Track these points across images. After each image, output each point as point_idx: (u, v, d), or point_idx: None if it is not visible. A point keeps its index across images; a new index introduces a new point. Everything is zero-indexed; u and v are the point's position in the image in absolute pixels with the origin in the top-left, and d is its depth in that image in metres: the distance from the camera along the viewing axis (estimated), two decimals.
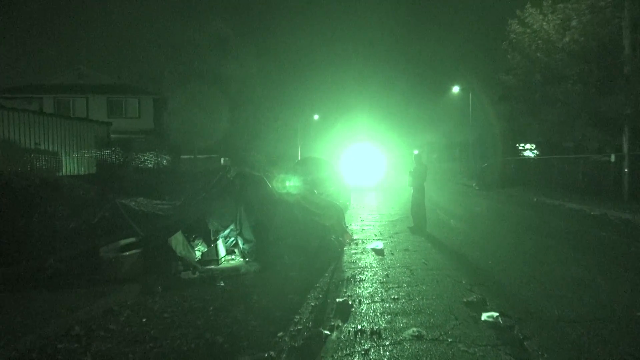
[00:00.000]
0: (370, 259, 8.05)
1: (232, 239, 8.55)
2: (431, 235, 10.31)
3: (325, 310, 5.29)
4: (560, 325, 4.58)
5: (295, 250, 8.22)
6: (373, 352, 4.04)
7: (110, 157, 16.71)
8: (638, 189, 15.43)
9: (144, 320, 4.94)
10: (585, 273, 6.63)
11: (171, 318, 5.02)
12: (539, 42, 18.41)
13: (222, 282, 6.56)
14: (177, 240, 7.16)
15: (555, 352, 3.95)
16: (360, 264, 7.68)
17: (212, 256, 7.76)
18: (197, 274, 6.98)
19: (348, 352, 4.07)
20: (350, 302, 5.41)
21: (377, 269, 7.27)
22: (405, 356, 3.94)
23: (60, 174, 16.56)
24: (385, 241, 9.55)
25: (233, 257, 8.32)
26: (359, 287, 6.20)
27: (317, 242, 8.48)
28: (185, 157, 28.32)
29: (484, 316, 4.76)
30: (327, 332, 4.52)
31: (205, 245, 7.91)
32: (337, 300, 5.49)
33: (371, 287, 6.18)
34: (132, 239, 6.53)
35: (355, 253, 8.57)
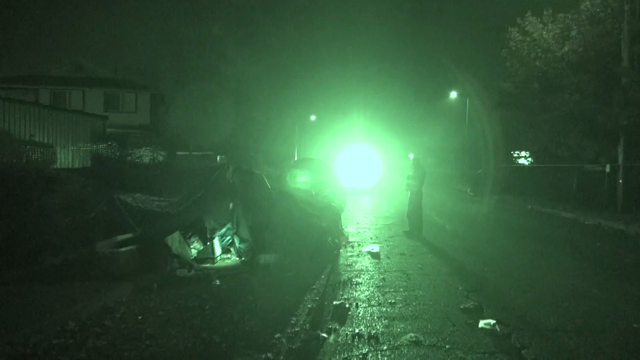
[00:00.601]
0: (366, 262, 8.04)
1: (229, 237, 8.51)
2: (427, 239, 10.33)
3: (322, 312, 5.27)
4: (557, 334, 4.59)
5: (291, 251, 8.20)
6: (371, 357, 4.03)
7: (107, 152, 16.60)
8: (631, 200, 15.53)
9: (139, 317, 4.90)
10: (581, 283, 6.65)
11: (167, 316, 4.98)
12: (538, 50, 18.53)
13: (217, 280, 6.53)
14: (173, 238, 7.12)
15: None
16: (356, 267, 7.67)
17: (207, 254, 7.73)
18: (193, 272, 6.94)
19: (346, 355, 4.06)
20: (347, 305, 5.40)
21: (373, 272, 7.26)
22: None
23: (55, 166, 16.43)
24: (381, 244, 9.55)
25: (229, 256, 8.28)
26: (356, 290, 6.19)
27: (314, 244, 8.47)
28: (181, 153, 28.20)
29: (481, 323, 4.76)
30: (324, 335, 4.50)
31: (202, 243, 7.88)
32: (334, 303, 5.47)
33: (368, 291, 6.17)
34: (128, 235, 6.48)
35: (352, 255, 8.56)
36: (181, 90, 31.57)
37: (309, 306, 5.47)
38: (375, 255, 8.49)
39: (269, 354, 4.01)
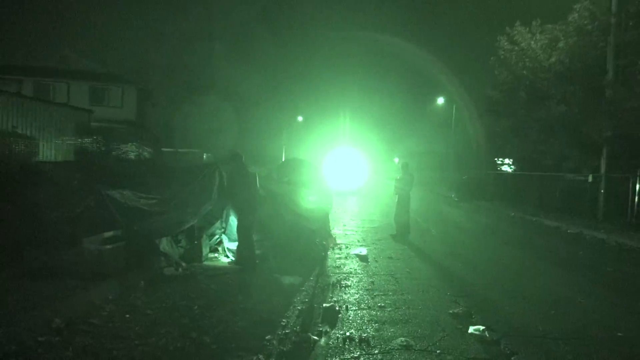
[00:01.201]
0: (354, 264, 8.04)
1: (217, 236, 8.45)
2: (413, 243, 10.38)
3: (312, 315, 5.25)
4: (545, 341, 4.64)
5: (280, 251, 8.18)
6: None
7: (91, 146, 16.33)
8: (612, 210, 15.83)
9: (127, 316, 4.82)
10: (566, 290, 6.75)
11: (155, 315, 4.91)
12: (526, 60, 18.79)
13: (206, 280, 6.47)
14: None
15: None
16: (344, 269, 7.67)
17: (196, 253, 7.64)
18: (181, 270, 6.87)
19: (338, 359, 4.05)
20: (337, 308, 5.39)
21: (362, 275, 7.27)
22: None
23: (37, 159, 16.11)
24: (368, 247, 9.56)
25: (217, 255, 8.22)
26: (345, 293, 6.18)
27: (303, 245, 8.45)
28: (167, 150, 27.95)
29: (471, 329, 4.79)
30: (315, 337, 4.48)
31: (190, 242, 7.79)
32: (324, 305, 5.45)
33: (357, 294, 6.17)
34: (116, 232, 6.38)
35: (339, 258, 8.56)
36: (168, 87, 31.29)
37: (299, 308, 5.45)
38: (363, 258, 8.50)
39: (261, 356, 3.98)
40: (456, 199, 24.98)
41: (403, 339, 4.52)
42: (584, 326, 5.17)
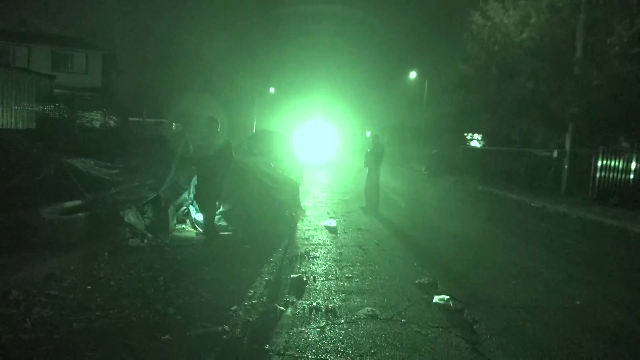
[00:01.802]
0: (323, 236, 8.06)
1: (184, 207, 8.31)
2: (383, 216, 10.47)
3: (279, 285, 5.24)
4: (507, 310, 4.77)
5: (248, 222, 8.10)
6: (328, 330, 4.04)
7: (54, 113, 15.71)
8: (575, 185, 16.32)
9: (88, 287, 4.71)
10: (528, 262, 6.94)
11: (118, 286, 4.81)
12: (498, 35, 18.84)
13: (172, 251, 6.37)
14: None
15: (502, 335, 4.10)
16: (313, 240, 7.67)
17: (162, 224, 7.50)
18: (146, 241, 6.75)
19: (304, 328, 4.05)
20: (304, 279, 5.39)
21: (330, 246, 7.29)
22: (360, 335, 3.97)
23: None
24: (337, 219, 9.59)
25: (184, 226, 8.10)
26: (313, 264, 6.19)
27: (272, 216, 8.40)
28: (134, 119, 27.17)
29: (436, 299, 4.88)
30: (282, 307, 4.47)
31: (156, 213, 7.62)
32: (292, 276, 5.45)
33: (325, 265, 6.19)
34: (77, 202, 6.17)
35: (309, 230, 8.56)
36: (135, 53, 30.20)
37: (267, 279, 5.43)
38: (332, 230, 8.53)
39: (226, 326, 3.95)
40: (426, 173, 25.28)
41: (369, 308, 4.56)
42: (544, 296, 5.33)
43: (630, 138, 16.32)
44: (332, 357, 3.54)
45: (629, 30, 13.96)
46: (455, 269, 6.38)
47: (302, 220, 9.36)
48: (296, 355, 3.55)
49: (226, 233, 7.66)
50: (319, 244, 7.40)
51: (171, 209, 7.87)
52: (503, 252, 7.62)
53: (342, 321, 4.26)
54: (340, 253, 6.87)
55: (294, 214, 9.23)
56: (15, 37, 28.02)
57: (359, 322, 4.24)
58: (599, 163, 15.30)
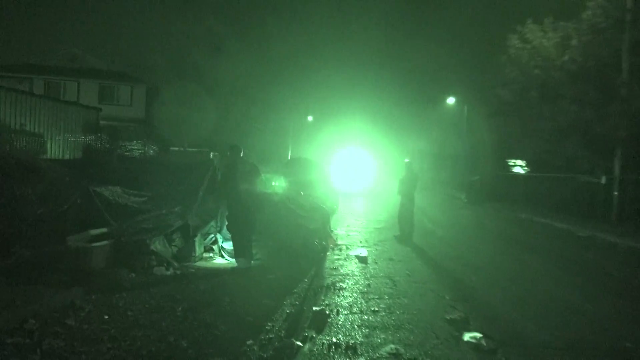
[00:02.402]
0: (352, 266, 7.78)
1: (212, 235, 8.24)
2: (417, 245, 10.08)
3: (300, 318, 5.01)
4: (547, 352, 4.34)
5: (275, 251, 7.95)
6: None
7: (96, 143, 16.28)
8: (626, 213, 15.35)
9: (105, 317, 4.62)
10: (573, 297, 6.42)
11: (135, 316, 4.71)
12: (538, 59, 18.31)
13: (196, 280, 6.26)
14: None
15: None
16: (341, 271, 7.41)
17: (189, 253, 7.44)
18: (171, 270, 6.68)
19: None
20: (327, 312, 5.14)
21: (358, 277, 7.00)
22: None
23: (45, 157, 16.13)
24: (369, 248, 9.29)
25: (211, 254, 8.01)
26: (338, 296, 5.93)
27: (300, 245, 8.22)
28: (175, 149, 27.89)
29: (467, 336, 4.51)
30: (299, 343, 4.23)
31: (183, 241, 7.59)
32: (314, 308, 5.21)
33: (351, 297, 5.92)
34: (103, 230, 6.20)
35: (338, 259, 8.30)
36: (177, 86, 31.24)
37: (287, 311, 5.21)
38: (362, 260, 8.23)
39: None
40: (465, 201, 24.55)
41: (393, 346, 4.25)
42: (589, 335, 4.85)
43: None
44: None
45: None
46: (491, 303, 5.97)
47: (333, 249, 9.13)
48: None
49: (252, 262, 7.50)
50: (347, 275, 7.13)
51: (198, 237, 7.81)
52: (544, 285, 7.10)
53: None
54: (369, 284, 6.57)
55: (324, 243, 9.02)
56: (67, 72, 29.65)
57: None
58: None
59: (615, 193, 15.75)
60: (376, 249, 9.39)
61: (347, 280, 6.75)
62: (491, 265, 8.45)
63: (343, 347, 4.21)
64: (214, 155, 25.29)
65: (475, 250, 10.12)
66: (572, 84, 16.98)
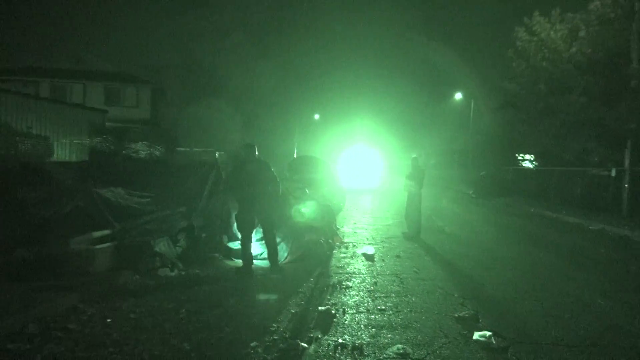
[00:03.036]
0: (359, 264, 7.68)
1: (218, 236, 8.17)
2: (425, 242, 9.95)
3: (305, 319, 4.92)
4: (559, 349, 4.22)
5: (281, 251, 7.86)
6: None
7: (101, 145, 16.30)
8: (637, 205, 15.10)
9: (108, 320, 4.56)
10: (585, 292, 6.27)
11: (138, 319, 4.65)
12: (545, 51, 18.07)
13: (200, 282, 6.20)
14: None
15: None
16: (348, 269, 7.31)
17: (194, 254, 7.37)
18: (176, 271, 6.62)
19: None
20: (333, 312, 5.05)
21: (365, 275, 6.90)
22: None
23: (52, 159, 16.19)
24: (376, 246, 9.18)
25: (217, 254, 7.94)
26: (345, 295, 5.84)
27: (306, 244, 8.12)
28: (182, 149, 27.92)
29: (476, 335, 4.40)
30: (304, 344, 4.15)
31: (188, 242, 7.53)
32: (320, 308, 5.13)
33: (357, 296, 5.82)
34: (106, 231, 6.14)
35: (345, 257, 8.20)
36: (183, 86, 31.30)
37: (293, 311, 5.12)
38: (369, 257, 8.13)
39: None
40: (474, 196, 24.33)
41: (400, 346, 4.15)
42: (602, 332, 4.72)
43: None
44: None
45: None
46: (501, 300, 5.84)
47: (339, 247, 9.03)
48: None
49: (257, 262, 7.42)
50: (354, 273, 7.03)
51: (204, 237, 7.76)
52: (556, 280, 6.95)
53: None
54: (375, 283, 6.47)
55: (330, 241, 8.93)
56: (72, 75, 29.75)
57: None
58: None
59: (626, 185, 15.51)
60: (383, 247, 9.28)
61: (353, 279, 6.65)
62: (500, 261, 8.31)
63: (349, 348, 4.11)
64: (219, 155, 25.26)
65: (484, 246, 9.97)
66: (580, 76, 16.74)
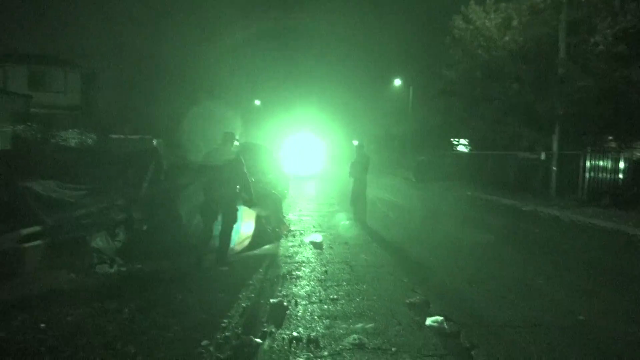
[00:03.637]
0: (308, 252, 7.61)
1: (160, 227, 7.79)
2: (371, 228, 10.05)
3: (257, 313, 4.79)
4: (506, 330, 4.36)
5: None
6: None
7: (26, 133, 15.13)
8: (564, 187, 16.08)
9: (42, 325, 4.19)
10: (525, 273, 6.55)
11: (76, 322, 4.31)
12: (481, 39, 18.67)
13: (143, 277, 5.88)
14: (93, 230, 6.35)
15: None
16: (297, 258, 7.23)
17: (134, 247, 6.99)
18: (115, 267, 6.23)
19: None
20: (285, 304, 4.95)
21: (315, 264, 6.85)
22: None
23: None
24: (324, 233, 9.16)
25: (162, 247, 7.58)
26: (296, 285, 5.75)
27: (252, 234, 7.93)
28: (116, 137, 26.55)
29: (429, 321, 4.45)
30: (258, 340, 4.02)
31: (129, 235, 7.12)
32: (271, 300, 5.01)
33: (308, 286, 5.74)
34: (36, 228, 5.66)
35: (293, 246, 8.11)
36: (115, 70, 29.70)
37: (243, 305, 4.95)
38: (317, 245, 8.07)
39: None
40: (414, 180, 24.99)
41: (356, 336, 4.12)
42: (544, 311, 4.93)
43: (618, 137, 16.14)
44: None
45: (613, 29, 13.80)
46: (448, 284, 5.97)
47: (286, 235, 8.92)
48: None
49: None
50: (303, 262, 6.95)
51: (145, 230, 7.37)
52: (497, 262, 7.23)
53: (326, 353, 3.81)
54: (325, 271, 6.42)
55: (277, 230, 8.78)
56: None
57: (344, 354, 3.79)
58: (587, 164, 15.12)
59: (554, 168, 16.45)
60: (330, 234, 9.26)
61: (303, 268, 6.58)
62: (445, 244, 8.53)
63: (304, 341, 4.03)
64: (158, 143, 24.26)
65: (429, 230, 10.22)
66: (513, 63, 17.45)
